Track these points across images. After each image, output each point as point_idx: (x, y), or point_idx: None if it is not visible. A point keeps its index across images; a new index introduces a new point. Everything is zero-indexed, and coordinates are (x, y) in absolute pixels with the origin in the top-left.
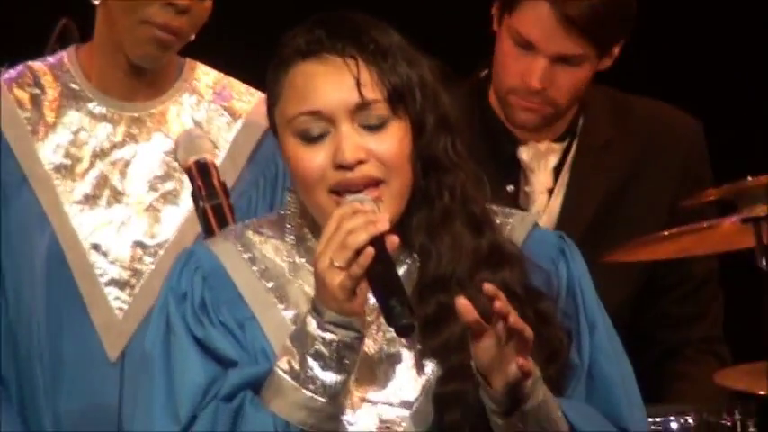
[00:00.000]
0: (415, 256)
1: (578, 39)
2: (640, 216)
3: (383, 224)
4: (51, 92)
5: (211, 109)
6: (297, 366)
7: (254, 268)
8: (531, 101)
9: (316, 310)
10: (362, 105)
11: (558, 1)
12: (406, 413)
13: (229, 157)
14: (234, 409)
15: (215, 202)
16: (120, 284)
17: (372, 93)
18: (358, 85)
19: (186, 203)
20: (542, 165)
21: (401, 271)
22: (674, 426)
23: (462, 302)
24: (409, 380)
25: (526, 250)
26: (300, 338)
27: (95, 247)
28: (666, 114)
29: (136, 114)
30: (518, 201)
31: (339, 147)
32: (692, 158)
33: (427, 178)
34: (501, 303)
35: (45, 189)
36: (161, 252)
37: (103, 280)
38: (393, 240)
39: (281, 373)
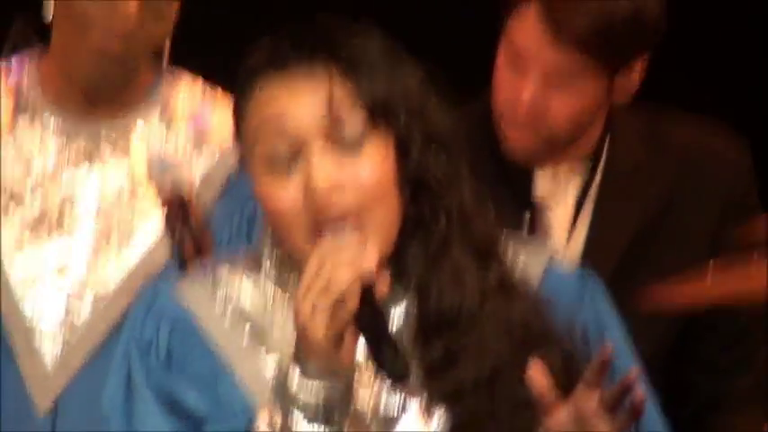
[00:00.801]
0: (413, 292)
1: (575, 54)
2: (677, 252)
3: (369, 261)
4: (4, 100)
5: (183, 134)
6: (279, 422)
7: (229, 310)
8: (521, 131)
9: (298, 361)
10: (334, 125)
11: (552, 5)
12: None
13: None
14: None
15: (192, 233)
16: (54, 333)
17: (346, 110)
18: (330, 103)
19: (140, 243)
20: (561, 198)
21: (399, 310)
22: None
23: (535, 370)
24: None
25: (542, 290)
26: (282, 392)
27: (28, 289)
28: (707, 133)
29: (93, 133)
30: (534, 233)
31: (310, 177)
32: (738, 184)
33: (419, 202)
34: (637, 369)
35: None
36: (102, 298)
37: (35, 326)
38: (383, 278)
39: (261, 430)
